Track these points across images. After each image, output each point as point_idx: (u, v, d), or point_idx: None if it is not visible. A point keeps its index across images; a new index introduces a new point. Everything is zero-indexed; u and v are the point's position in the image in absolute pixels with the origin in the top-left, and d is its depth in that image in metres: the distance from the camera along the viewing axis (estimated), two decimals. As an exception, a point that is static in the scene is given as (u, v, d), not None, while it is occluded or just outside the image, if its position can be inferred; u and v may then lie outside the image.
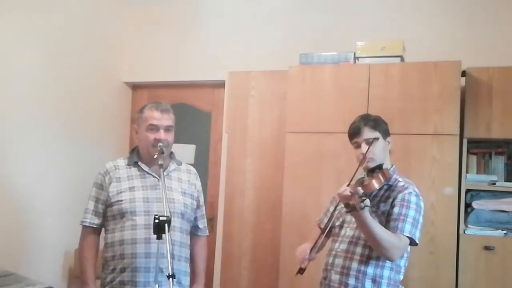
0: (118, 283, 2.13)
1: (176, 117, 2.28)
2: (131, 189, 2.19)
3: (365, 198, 1.79)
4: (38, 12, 3.24)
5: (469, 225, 2.78)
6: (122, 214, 2.16)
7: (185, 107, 4.04)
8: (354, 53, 3.00)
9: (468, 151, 2.87)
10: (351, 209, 1.81)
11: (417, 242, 1.98)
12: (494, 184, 2.79)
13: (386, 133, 2.12)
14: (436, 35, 3.25)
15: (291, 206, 2.97)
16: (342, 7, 3.51)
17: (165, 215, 1.76)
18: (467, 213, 2.81)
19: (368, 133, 2.06)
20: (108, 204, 2.21)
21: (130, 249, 2.11)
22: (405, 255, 2.06)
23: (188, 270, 2.30)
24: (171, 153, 2.31)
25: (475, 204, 2.80)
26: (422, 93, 2.76)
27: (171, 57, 3.99)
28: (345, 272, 2.03)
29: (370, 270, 1.99)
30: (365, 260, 2.00)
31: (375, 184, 1.92)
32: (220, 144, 3.85)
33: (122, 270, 2.13)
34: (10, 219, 3.07)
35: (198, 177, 2.42)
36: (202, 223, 2.42)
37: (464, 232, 2.75)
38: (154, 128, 2.19)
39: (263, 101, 3.32)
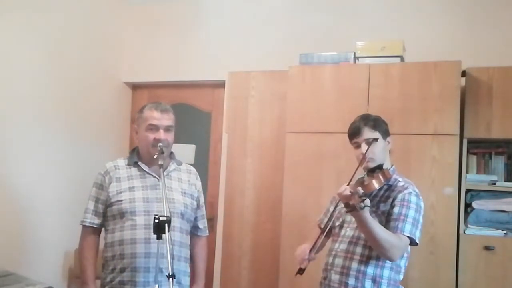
0: (117, 283, 2.13)
1: (176, 117, 2.28)
2: (131, 189, 2.19)
3: (365, 198, 1.79)
4: (38, 12, 3.24)
5: (469, 225, 2.78)
6: (122, 214, 2.16)
7: (185, 107, 4.04)
8: (354, 53, 3.00)
9: (468, 151, 2.87)
10: (351, 209, 1.81)
11: (417, 242, 1.98)
12: (494, 184, 2.80)
13: (386, 133, 2.12)
14: (436, 35, 3.25)
15: (291, 206, 2.97)
16: (342, 7, 3.51)
17: (165, 215, 1.76)
18: (467, 213, 2.81)
19: (368, 133, 2.06)
20: (108, 204, 2.21)
21: (130, 249, 2.11)
22: (405, 255, 2.06)
23: (188, 270, 2.30)
24: (171, 153, 2.31)
25: (475, 204, 2.80)
26: (422, 93, 2.76)
27: (171, 57, 3.99)
28: (345, 272, 2.03)
29: (370, 270, 1.99)
30: (365, 260, 2.00)
31: (375, 184, 1.92)
32: (220, 144, 3.85)
33: (122, 270, 2.13)
34: (10, 219, 3.07)
35: (198, 177, 2.42)
36: (202, 223, 2.41)
37: (464, 232, 2.75)
38: (154, 128, 2.18)
39: (263, 101, 3.32)
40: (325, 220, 2.22)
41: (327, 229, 2.11)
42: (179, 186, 2.27)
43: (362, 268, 2.00)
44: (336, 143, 2.82)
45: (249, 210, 3.29)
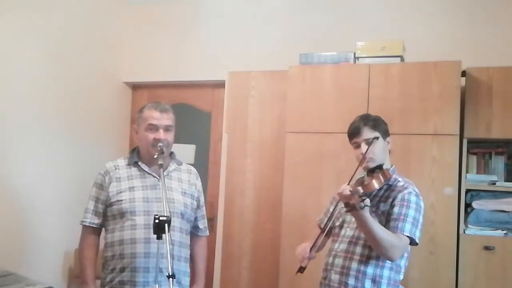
0: (117, 283, 2.13)
1: (176, 117, 2.28)
2: (131, 189, 2.19)
3: (365, 197, 1.79)
4: (38, 12, 3.24)
5: (469, 225, 2.78)
6: (122, 214, 2.16)
7: (185, 107, 4.04)
8: (354, 53, 3.00)
9: (468, 151, 2.87)
10: (351, 208, 1.81)
11: (417, 241, 1.98)
12: (494, 184, 2.79)
13: (385, 133, 2.12)
14: (436, 35, 3.25)
15: (291, 206, 2.97)
16: (342, 7, 3.51)
17: (165, 215, 1.75)
18: (467, 213, 2.81)
19: (368, 133, 2.06)
20: (108, 204, 2.21)
21: (130, 249, 2.11)
22: (405, 255, 2.06)
23: (188, 270, 2.30)
24: (172, 153, 2.31)
25: (475, 204, 2.80)
26: (422, 93, 2.76)
27: (171, 57, 3.99)
28: (345, 272, 2.03)
29: (370, 270, 1.99)
30: (365, 260, 2.00)
31: (375, 184, 1.92)
32: (220, 144, 3.85)
33: (122, 270, 2.13)
34: (10, 219, 3.07)
35: (199, 177, 2.41)
36: (203, 223, 2.41)
37: (464, 232, 2.75)
38: (154, 128, 2.18)
39: (263, 101, 3.32)
40: (325, 220, 2.22)
41: (327, 229, 2.11)
42: (179, 186, 2.27)
43: (362, 268, 2.00)
44: (336, 143, 2.82)
45: (249, 210, 3.29)
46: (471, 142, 2.87)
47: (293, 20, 3.63)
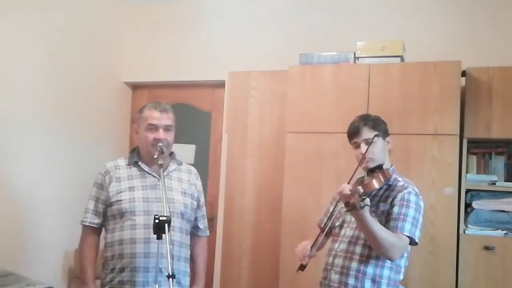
0: (117, 283, 2.13)
1: (176, 117, 2.28)
2: (131, 188, 2.19)
3: (365, 197, 1.79)
4: (38, 12, 3.24)
5: (469, 225, 2.78)
6: (121, 214, 2.16)
7: (185, 107, 4.04)
8: (354, 53, 3.00)
9: (468, 151, 2.87)
10: (351, 208, 1.80)
11: (417, 241, 1.98)
12: (494, 184, 2.79)
13: (385, 133, 2.12)
14: (436, 35, 3.25)
15: (291, 206, 2.97)
16: (342, 7, 3.51)
17: (165, 215, 1.75)
18: (467, 213, 2.81)
19: (367, 133, 2.06)
20: (108, 204, 2.21)
21: (129, 248, 2.11)
22: (405, 254, 2.06)
23: (188, 270, 2.30)
24: (172, 153, 2.31)
25: (475, 204, 2.80)
26: (422, 93, 2.76)
27: (171, 57, 3.99)
28: (344, 272, 2.03)
29: (369, 269, 1.99)
30: (365, 259, 2.00)
31: (375, 184, 1.92)
32: (220, 144, 3.85)
33: (121, 270, 2.13)
34: (10, 219, 3.07)
35: (199, 177, 2.41)
36: (203, 224, 2.41)
37: (464, 232, 2.75)
38: (154, 127, 2.18)
39: (263, 101, 3.32)
40: (325, 220, 2.22)
41: (327, 228, 2.11)
42: (179, 186, 2.27)
43: (362, 268, 2.00)
44: (336, 143, 2.82)
45: (249, 210, 3.29)
46: (471, 142, 2.87)
47: (293, 20, 3.63)
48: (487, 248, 2.71)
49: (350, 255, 2.04)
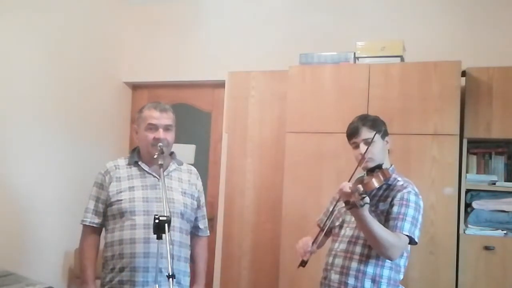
0: (117, 283, 2.13)
1: (176, 117, 2.28)
2: (131, 188, 2.19)
3: (365, 195, 1.79)
4: (38, 12, 3.24)
5: (469, 225, 2.78)
6: (121, 214, 2.16)
7: (185, 107, 4.04)
8: (354, 53, 3.00)
9: (468, 151, 2.87)
10: (351, 206, 1.80)
11: (417, 241, 1.98)
12: (494, 184, 2.79)
13: (384, 133, 2.12)
14: (436, 35, 3.25)
15: (291, 206, 2.97)
16: (342, 7, 3.51)
17: (165, 215, 1.75)
18: (467, 213, 2.81)
19: (366, 133, 2.06)
20: (108, 204, 2.21)
21: (129, 248, 2.11)
22: (405, 254, 2.06)
23: (188, 270, 2.30)
24: (172, 153, 2.31)
25: (475, 204, 2.80)
26: (422, 93, 2.76)
27: (171, 57, 3.99)
28: (344, 272, 2.03)
29: (369, 269, 1.99)
30: (365, 259, 2.00)
31: (375, 183, 1.92)
32: (220, 144, 3.85)
33: (121, 270, 2.13)
34: (10, 219, 3.07)
35: (199, 177, 2.41)
36: (203, 224, 2.41)
37: (464, 232, 2.75)
38: (153, 127, 2.18)
39: (263, 101, 3.32)
40: (325, 219, 2.22)
41: (326, 227, 2.11)
42: (179, 186, 2.27)
43: (362, 267, 2.00)
44: (336, 143, 2.82)
45: (249, 210, 3.29)
46: (471, 142, 2.87)
47: (293, 20, 3.63)
48: (487, 248, 2.71)
49: (350, 255, 2.04)
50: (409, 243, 1.97)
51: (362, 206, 1.78)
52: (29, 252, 3.20)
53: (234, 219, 3.32)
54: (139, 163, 2.24)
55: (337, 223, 2.18)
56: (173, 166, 2.29)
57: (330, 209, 2.16)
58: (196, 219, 2.36)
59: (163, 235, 1.73)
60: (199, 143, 3.98)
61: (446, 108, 2.71)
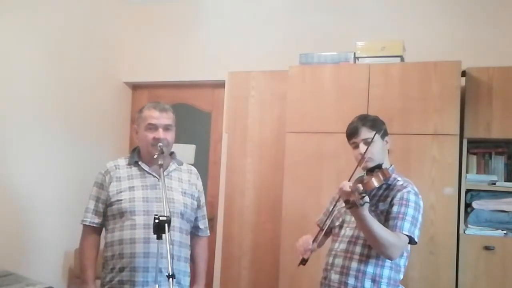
0: (117, 283, 2.13)
1: (176, 117, 2.28)
2: (131, 188, 2.19)
3: (364, 194, 1.79)
4: (38, 12, 3.25)
5: (469, 225, 2.78)
6: (121, 214, 2.16)
7: (185, 107, 4.04)
8: (354, 53, 3.00)
9: (468, 151, 2.87)
10: (351, 205, 1.80)
11: (417, 240, 1.97)
12: (494, 184, 2.79)
13: (384, 133, 2.12)
14: (436, 35, 3.25)
15: (291, 206, 2.97)
16: (342, 7, 3.51)
17: (165, 215, 1.75)
18: (467, 213, 2.81)
19: (366, 133, 2.06)
20: (108, 204, 2.21)
21: (129, 248, 2.11)
22: (405, 254, 2.06)
23: (188, 270, 2.30)
24: (172, 153, 2.31)
25: (475, 204, 2.80)
26: (422, 93, 2.76)
27: (171, 57, 3.99)
28: (344, 272, 2.03)
29: (369, 269, 1.99)
30: (365, 259, 2.00)
31: (375, 182, 1.92)
32: (220, 144, 3.85)
33: (121, 270, 2.13)
34: (10, 219, 3.07)
35: (199, 177, 2.41)
36: (203, 224, 2.41)
37: (464, 232, 2.75)
38: (153, 127, 2.18)
39: (263, 101, 3.32)
40: (325, 219, 2.22)
41: (326, 227, 2.11)
42: (179, 186, 2.27)
43: (362, 267, 2.00)
44: (336, 143, 2.82)
45: (249, 210, 3.29)
46: (471, 142, 2.87)
47: (293, 20, 3.64)
48: (487, 248, 2.71)
49: (350, 255, 2.04)
50: (409, 243, 1.97)
51: (362, 205, 1.78)
52: (29, 252, 3.20)
53: (234, 219, 3.32)
54: (139, 163, 2.24)
55: (337, 223, 2.18)
56: (173, 166, 2.29)
57: (330, 209, 2.16)
58: (196, 219, 2.36)
59: (163, 235, 1.73)
60: (199, 143, 3.98)
61: (446, 108, 2.71)
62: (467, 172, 2.84)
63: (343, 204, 1.94)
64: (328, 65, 3.02)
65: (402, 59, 2.92)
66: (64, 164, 3.48)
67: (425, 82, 2.76)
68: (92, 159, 3.58)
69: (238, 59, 3.70)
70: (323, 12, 3.54)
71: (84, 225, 2.25)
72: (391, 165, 2.15)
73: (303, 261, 2.03)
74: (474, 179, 2.83)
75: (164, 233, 1.73)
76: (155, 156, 2.11)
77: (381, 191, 2.07)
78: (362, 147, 2.04)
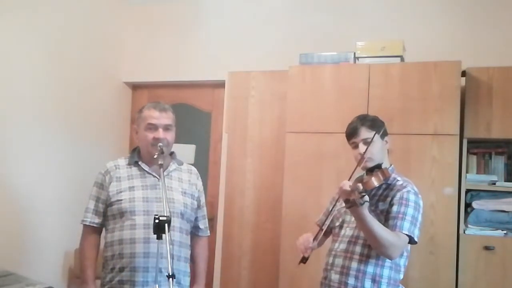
0: (117, 283, 2.13)
1: (176, 117, 2.28)
2: (131, 188, 2.19)
3: (364, 194, 1.79)
4: (38, 12, 3.25)
5: (469, 225, 2.78)
6: (121, 214, 2.16)
7: (185, 107, 4.05)
8: (354, 53, 3.00)
9: (468, 151, 2.87)
10: (351, 204, 1.80)
11: (416, 240, 1.97)
12: (494, 184, 2.79)
13: (383, 133, 2.12)
14: (436, 35, 3.25)
15: (291, 206, 2.97)
16: (342, 7, 3.51)
17: (165, 215, 1.75)
18: (467, 213, 2.81)
19: (366, 133, 2.06)
20: (108, 204, 2.21)
21: (129, 248, 2.11)
22: (405, 254, 2.06)
23: (188, 270, 2.30)
24: (172, 153, 2.31)
25: (475, 204, 2.80)
26: (422, 93, 2.76)
27: (171, 57, 3.99)
28: (344, 271, 2.03)
29: (369, 269, 1.99)
30: (365, 259, 2.00)
31: (375, 182, 1.92)
32: (220, 144, 3.85)
33: (121, 270, 2.13)
34: (10, 219, 3.07)
35: (200, 177, 2.41)
36: (203, 224, 2.41)
37: (464, 232, 2.75)
38: (153, 127, 2.18)
39: (263, 101, 3.32)
40: (324, 219, 2.22)
41: (326, 226, 2.11)
42: (179, 186, 2.27)
43: (362, 267, 2.00)
44: (336, 143, 2.82)
45: (249, 210, 3.29)
46: (471, 142, 2.87)
47: (293, 20, 3.64)
48: (487, 248, 2.71)
49: (350, 255, 2.04)
50: (408, 243, 1.97)
51: (361, 204, 1.78)
52: (29, 252, 3.20)
53: (234, 219, 3.32)
54: (139, 163, 2.24)
55: (337, 223, 2.18)
56: (173, 166, 2.29)
57: (330, 209, 2.16)
58: (196, 219, 2.36)
59: (163, 235, 1.73)
60: (199, 143, 3.98)
61: (446, 108, 2.71)
62: (467, 172, 2.84)
63: (343, 204, 1.94)
64: (328, 65, 3.02)
65: (402, 59, 2.92)
66: (64, 164, 3.48)
67: (425, 82, 2.76)
68: (92, 159, 3.59)
69: (238, 59, 3.70)
70: (323, 12, 3.54)
71: (84, 225, 2.25)
72: (391, 165, 2.15)
73: (304, 259, 2.03)
74: (474, 179, 2.83)
75: (164, 233, 1.73)
76: (155, 156, 2.11)
77: (381, 191, 2.07)
78: (362, 147, 2.04)
